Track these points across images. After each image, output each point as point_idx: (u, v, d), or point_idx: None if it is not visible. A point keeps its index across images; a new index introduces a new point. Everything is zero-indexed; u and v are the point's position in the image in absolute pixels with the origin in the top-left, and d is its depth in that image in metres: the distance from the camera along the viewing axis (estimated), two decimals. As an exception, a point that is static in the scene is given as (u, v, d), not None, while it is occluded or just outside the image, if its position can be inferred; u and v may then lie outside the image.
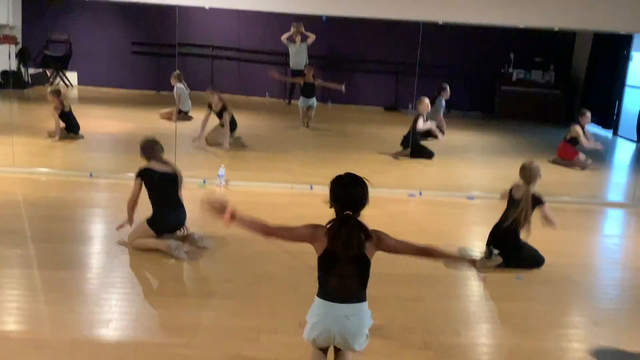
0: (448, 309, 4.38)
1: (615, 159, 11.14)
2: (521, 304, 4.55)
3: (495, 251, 5.14)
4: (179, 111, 10.38)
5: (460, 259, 3.41)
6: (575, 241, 6.03)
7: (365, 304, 3.11)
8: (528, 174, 5.05)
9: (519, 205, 5.00)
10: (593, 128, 12.32)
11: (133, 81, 13.27)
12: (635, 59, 12.17)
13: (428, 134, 9.92)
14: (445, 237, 5.80)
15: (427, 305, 4.41)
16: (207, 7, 7.86)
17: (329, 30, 12.76)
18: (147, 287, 4.43)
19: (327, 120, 11.22)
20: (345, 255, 3.02)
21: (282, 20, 12.29)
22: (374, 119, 12.32)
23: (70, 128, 8.74)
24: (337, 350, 3.15)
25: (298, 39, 12.36)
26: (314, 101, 10.58)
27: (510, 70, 13.40)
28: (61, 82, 13.34)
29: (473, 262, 3.30)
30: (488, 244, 5.21)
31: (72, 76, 13.36)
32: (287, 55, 12.73)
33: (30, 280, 4.37)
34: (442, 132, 10.21)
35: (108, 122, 10.05)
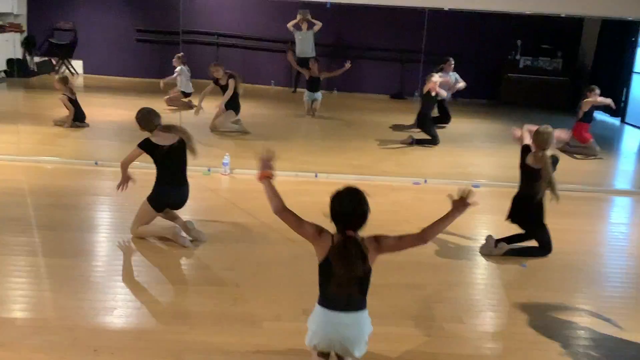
0: (451, 297, 4.38)
1: (623, 147, 11.07)
2: (525, 291, 4.54)
3: (501, 244, 5.12)
4: (182, 94, 10.43)
5: (456, 207, 3.33)
6: (581, 229, 6.01)
7: (365, 312, 3.13)
8: (545, 138, 4.90)
9: (541, 174, 4.84)
10: (600, 115, 12.27)
11: (138, 69, 13.25)
12: (643, 45, 12.07)
13: (438, 120, 9.94)
14: (450, 226, 5.76)
15: (430, 293, 4.41)
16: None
17: (334, 17, 12.70)
18: (151, 275, 4.45)
19: (333, 109, 11.19)
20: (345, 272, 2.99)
21: (288, 8, 12.24)
22: (379, 106, 12.27)
23: (77, 116, 8.75)
24: (339, 356, 3.16)
25: (304, 26, 12.30)
26: (319, 95, 10.57)
27: (517, 57, 13.31)
28: (67, 70, 13.34)
29: (463, 202, 3.25)
30: (510, 216, 5.14)
31: (77, 64, 13.37)
32: (293, 42, 12.68)
33: (35, 267, 4.40)
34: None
35: (113, 110, 10.05)
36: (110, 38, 13.22)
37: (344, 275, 2.97)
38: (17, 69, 11.85)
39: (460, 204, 3.23)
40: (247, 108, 9.62)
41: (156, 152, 4.97)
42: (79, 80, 13.06)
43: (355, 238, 3.06)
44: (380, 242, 3.13)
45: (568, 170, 8.18)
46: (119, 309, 3.90)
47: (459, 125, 10.55)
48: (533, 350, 3.73)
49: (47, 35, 13.18)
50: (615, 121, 12.24)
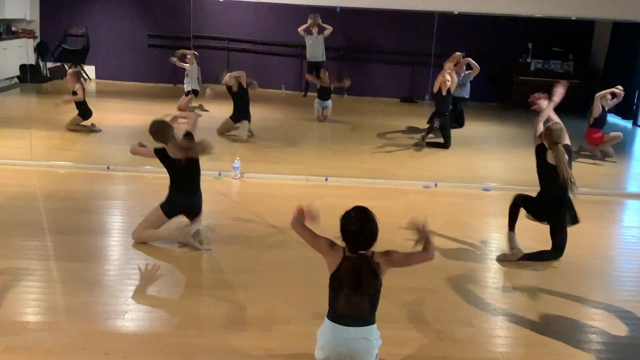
0: (461, 300, 4.36)
1: (635, 150, 10.99)
2: (537, 295, 4.52)
3: (517, 244, 5.09)
4: (190, 91, 10.43)
5: (424, 240, 3.33)
6: (593, 232, 5.97)
7: (374, 327, 3.16)
8: (558, 133, 4.88)
9: (556, 170, 4.82)
10: (612, 118, 12.19)
11: (150, 74, 13.32)
12: (656, 47, 11.99)
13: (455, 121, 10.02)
14: (461, 229, 5.77)
15: (440, 296, 4.40)
16: (221, -1, 7.89)
17: (344, 21, 12.72)
18: (162, 279, 4.46)
19: (343, 112, 11.19)
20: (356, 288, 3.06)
21: (298, 12, 12.27)
22: (389, 110, 12.27)
23: (83, 113, 8.79)
24: None
25: (315, 30, 12.32)
26: (329, 102, 10.58)
27: (528, 60, 13.26)
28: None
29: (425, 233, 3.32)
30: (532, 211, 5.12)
31: (89, 70, 13.46)
32: (303, 47, 12.71)
33: (47, 271, 4.43)
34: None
35: (125, 115, 10.12)
36: (122, 43, 13.31)
37: (354, 293, 3.06)
38: (30, 75, 11.95)
39: (423, 236, 3.32)
40: (258, 112, 9.65)
41: (169, 162, 5.03)
42: (91, 86, 13.14)
43: (367, 256, 3.11)
44: (390, 256, 3.21)
45: (580, 174, 8.09)
46: (130, 312, 3.92)
47: (469, 128, 10.53)
48: (545, 354, 3.71)
49: (59, 41, 13.28)
50: (628, 124, 12.16)
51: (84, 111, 8.82)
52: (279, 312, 3.99)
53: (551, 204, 5.00)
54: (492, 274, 4.91)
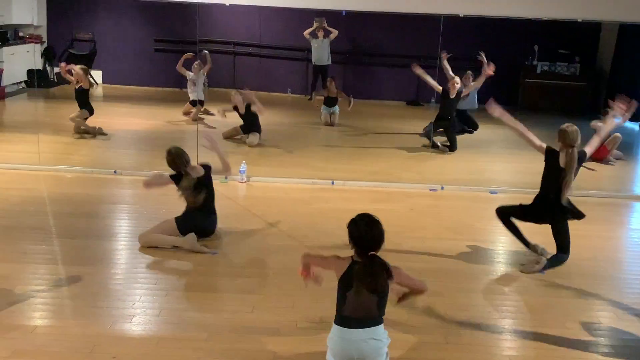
0: (469, 303, 4.36)
1: (642, 152, 10.95)
2: (544, 298, 4.51)
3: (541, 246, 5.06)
4: (195, 101, 10.40)
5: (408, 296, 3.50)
6: (600, 235, 5.95)
7: (381, 326, 3.20)
8: (573, 136, 4.84)
9: (568, 173, 4.80)
10: (618, 121, 12.13)
11: (156, 79, 13.35)
12: (663, 49, 11.94)
13: (465, 124, 9.99)
14: (467, 232, 5.77)
15: (448, 300, 4.39)
16: (227, 3, 7.90)
17: (349, 24, 12.71)
18: (170, 283, 4.48)
19: (349, 116, 11.17)
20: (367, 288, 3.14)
21: (303, 16, 12.28)
22: (395, 113, 12.26)
23: (88, 107, 8.82)
24: None
25: (320, 34, 12.33)
26: (336, 108, 10.56)
27: (535, 62, 13.23)
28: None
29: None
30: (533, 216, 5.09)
31: (96, 74, 13.50)
32: (309, 50, 12.73)
33: (55, 275, 4.45)
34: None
35: (132, 119, 10.15)
36: (129, 48, 13.35)
37: (364, 292, 3.10)
38: (37, 80, 11.99)
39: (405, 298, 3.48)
40: (264, 116, 9.65)
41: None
42: (98, 90, 13.19)
43: (378, 256, 3.18)
44: (398, 273, 3.27)
45: (587, 176, 8.12)
46: (137, 316, 3.94)
47: (476, 131, 10.50)
48: (553, 357, 3.70)
49: (66, 45, 13.33)
50: (634, 126, 12.10)
51: (89, 105, 8.83)
52: (286, 316, 3.99)
53: (556, 205, 4.96)
54: (499, 277, 4.89)
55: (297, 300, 4.24)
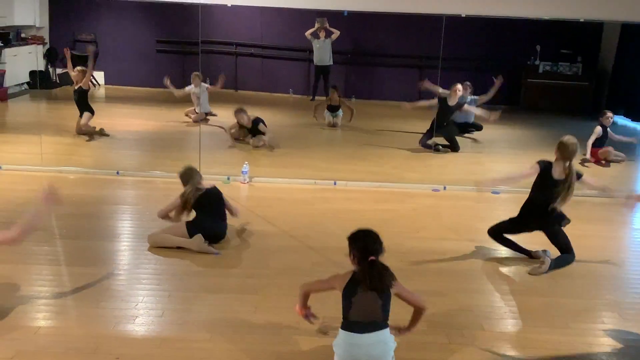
0: (471, 304, 4.35)
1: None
2: (547, 298, 4.51)
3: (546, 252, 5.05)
4: (205, 113, 10.33)
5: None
6: (602, 235, 5.95)
7: (388, 330, 3.23)
8: (572, 149, 4.87)
9: (564, 183, 4.82)
10: (622, 120, 12.14)
11: (158, 80, 13.29)
12: (665, 49, 11.93)
13: (466, 129, 10.00)
14: (470, 232, 5.76)
15: (450, 300, 4.39)
16: (229, 4, 7.90)
17: (351, 25, 12.72)
18: (172, 283, 4.48)
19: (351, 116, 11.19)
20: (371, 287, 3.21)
21: (305, 16, 12.29)
22: (397, 113, 12.23)
23: (89, 108, 8.79)
24: None
25: (322, 34, 12.34)
26: (339, 112, 10.51)
27: (537, 62, 13.22)
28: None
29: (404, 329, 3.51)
30: (526, 223, 5.09)
31: (98, 75, 13.52)
32: (310, 51, 12.73)
33: (57, 276, 4.46)
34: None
35: (135, 120, 10.16)
36: (131, 49, 13.37)
37: (369, 294, 3.18)
38: (39, 81, 12.02)
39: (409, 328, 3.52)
40: (266, 116, 9.65)
41: (197, 194, 5.20)
42: (100, 91, 13.22)
43: (378, 260, 3.27)
44: (396, 281, 3.32)
45: (590, 176, 8.11)
46: (140, 317, 3.94)
47: (479, 132, 10.49)
48: (555, 358, 3.70)
49: (68, 47, 13.34)
50: (637, 126, 12.08)
51: (88, 106, 8.81)
52: (288, 316, 3.99)
53: (547, 212, 4.96)
54: (502, 277, 4.89)
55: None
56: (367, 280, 3.18)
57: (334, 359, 3.28)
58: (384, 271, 3.23)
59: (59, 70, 13.19)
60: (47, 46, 13.12)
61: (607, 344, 3.89)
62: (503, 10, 7.49)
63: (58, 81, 13.06)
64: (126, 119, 10.17)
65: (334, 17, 12.26)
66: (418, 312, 3.48)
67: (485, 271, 4.98)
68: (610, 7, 7.53)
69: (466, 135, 10.16)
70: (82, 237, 5.24)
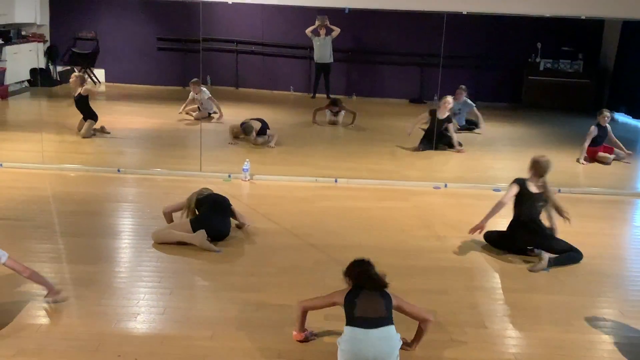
0: (473, 301, 4.35)
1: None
2: (548, 296, 4.50)
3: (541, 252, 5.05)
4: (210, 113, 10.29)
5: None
6: (605, 232, 5.95)
7: (394, 327, 3.28)
8: (545, 166, 5.08)
9: (542, 198, 5.04)
10: (623, 117, 12.13)
11: (159, 77, 13.37)
12: (666, 46, 11.90)
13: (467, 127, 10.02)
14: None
15: (452, 298, 4.39)
16: (230, 2, 7.89)
17: (352, 22, 12.71)
18: (174, 281, 4.48)
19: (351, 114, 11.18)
20: (371, 287, 3.37)
21: (306, 14, 12.28)
22: (399, 111, 12.25)
23: (92, 116, 8.76)
24: None
25: (322, 32, 12.33)
26: (341, 113, 10.47)
27: (538, 59, 13.20)
28: (89, 79, 13.51)
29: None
30: (521, 245, 5.11)
31: (99, 73, 13.52)
32: (311, 48, 12.72)
33: (59, 274, 4.45)
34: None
35: (135, 118, 10.15)
36: (132, 47, 13.36)
37: (371, 293, 3.33)
38: (40, 79, 12.01)
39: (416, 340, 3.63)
40: (267, 114, 9.66)
41: (205, 196, 5.34)
42: (101, 89, 13.21)
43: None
44: (395, 295, 3.46)
45: (591, 174, 8.12)
46: (142, 314, 3.94)
47: (479, 129, 10.48)
48: (557, 355, 3.70)
49: (69, 44, 13.35)
50: (638, 123, 12.07)
51: (91, 111, 8.79)
52: (290, 314, 3.98)
53: (537, 229, 5.07)
54: (504, 275, 4.88)
55: (301, 298, 4.21)
56: (368, 280, 3.35)
57: (337, 356, 3.28)
58: (377, 274, 3.44)
59: (59, 68, 13.20)
60: (48, 44, 13.12)
61: (609, 341, 3.89)
62: (504, 8, 7.49)
63: (59, 79, 13.05)
64: (127, 117, 10.16)
65: (335, 15, 12.25)
66: (422, 325, 3.53)
67: (487, 269, 4.97)
68: (612, 4, 7.53)
69: (468, 131, 10.15)
70: (84, 234, 5.24)
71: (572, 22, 11.60)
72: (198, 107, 10.13)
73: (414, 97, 13.33)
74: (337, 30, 12.28)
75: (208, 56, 12.67)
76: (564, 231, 5.48)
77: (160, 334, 3.72)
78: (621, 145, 8.79)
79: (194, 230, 5.01)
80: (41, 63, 12.72)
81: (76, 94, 8.76)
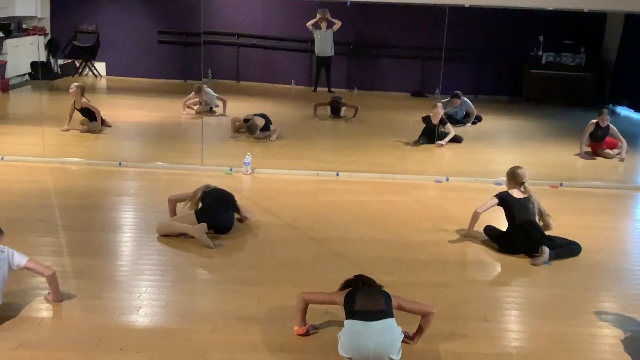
0: (475, 295, 4.35)
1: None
2: (550, 290, 4.50)
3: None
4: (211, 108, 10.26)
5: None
6: (606, 226, 5.94)
7: (394, 320, 3.30)
8: (522, 174, 5.20)
9: (530, 201, 5.11)
10: (625, 111, 12.12)
11: (160, 71, 13.35)
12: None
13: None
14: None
15: (454, 291, 4.39)
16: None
17: (353, 16, 12.67)
18: (175, 274, 4.48)
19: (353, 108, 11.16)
20: (370, 285, 3.54)
21: (308, 7, 12.25)
22: (400, 105, 12.23)
23: (94, 119, 8.70)
24: None
25: (324, 25, 12.30)
26: (342, 110, 10.44)
27: (540, 53, 13.17)
28: (90, 72, 13.49)
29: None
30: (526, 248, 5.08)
31: (100, 66, 13.51)
32: (312, 42, 12.69)
33: (61, 267, 4.44)
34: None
35: (136, 111, 10.14)
36: (133, 40, 13.34)
37: (370, 290, 3.41)
38: (41, 72, 11.99)
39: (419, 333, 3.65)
40: (268, 108, 9.65)
41: (209, 191, 5.35)
42: (102, 82, 13.20)
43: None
44: (395, 295, 3.49)
45: (593, 168, 8.10)
46: (144, 307, 3.94)
47: (481, 122, 10.47)
48: (559, 349, 3.70)
49: (70, 37, 13.33)
50: (638, 116, 12.05)
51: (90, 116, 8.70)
52: (292, 307, 3.98)
53: (534, 231, 5.04)
54: (506, 269, 4.88)
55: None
56: (366, 280, 3.50)
57: (338, 349, 3.28)
58: (372, 280, 3.57)
59: (60, 62, 13.18)
60: (49, 37, 13.10)
61: (610, 335, 3.89)
62: (506, 1, 7.46)
63: (59, 72, 13.04)
64: (128, 110, 10.15)
65: (336, 8, 12.22)
66: (425, 319, 3.55)
67: (488, 262, 4.97)
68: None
69: (469, 125, 10.15)
70: (85, 228, 5.24)
71: (575, 16, 11.57)
72: (199, 102, 10.12)
73: (416, 91, 13.31)
74: (338, 24, 12.25)
75: (209, 49, 12.64)
76: (566, 225, 5.50)
77: (162, 327, 3.72)
78: (624, 145, 8.62)
79: (199, 222, 5.02)
80: (42, 56, 12.70)
81: (78, 106, 8.58)
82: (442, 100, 9.79)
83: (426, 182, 7.05)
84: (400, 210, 6.00)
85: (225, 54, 13.26)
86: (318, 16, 12.24)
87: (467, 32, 12.17)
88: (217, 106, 10.26)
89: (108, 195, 6.23)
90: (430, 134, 8.77)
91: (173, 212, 5.34)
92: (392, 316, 3.27)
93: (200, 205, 5.22)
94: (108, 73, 13.59)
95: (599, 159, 8.48)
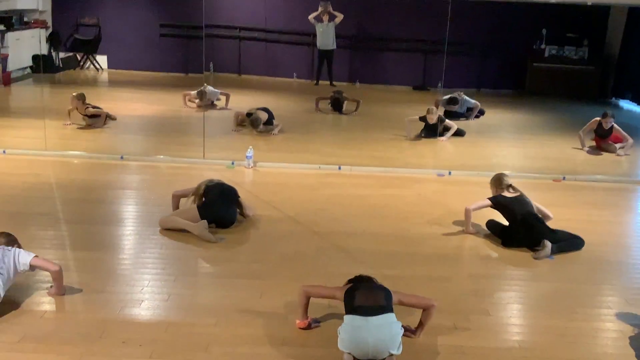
0: (477, 289, 4.34)
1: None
2: (553, 284, 4.50)
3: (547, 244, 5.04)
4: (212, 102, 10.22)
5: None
6: (608, 220, 5.93)
7: (394, 315, 3.29)
8: (505, 179, 5.30)
9: (524, 196, 5.17)
10: (628, 105, 12.09)
11: (162, 64, 13.34)
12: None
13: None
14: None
15: (456, 285, 4.39)
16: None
17: (356, 9, 12.65)
18: (178, 268, 4.48)
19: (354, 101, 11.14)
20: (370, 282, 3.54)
21: (309, 0, 12.22)
22: (402, 98, 12.21)
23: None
24: None
25: (325, 18, 12.28)
26: (344, 104, 10.40)
27: (542, 46, 13.13)
28: (91, 66, 13.48)
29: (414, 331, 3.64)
30: (528, 241, 5.06)
31: (102, 59, 13.50)
32: (314, 35, 12.67)
33: (63, 261, 4.43)
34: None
35: (138, 104, 10.13)
36: (135, 33, 13.32)
37: (369, 286, 3.44)
38: (42, 65, 11.98)
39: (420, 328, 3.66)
40: (270, 101, 9.64)
41: (212, 186, 5.33)
42: (103, 75, 13.19)
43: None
44: (395, 291, 3.50)
45: (595, 161, 8.08)
46: (146, 301, 3.94)
47: (484, 116, 10.45)
48: (561, 343, 3.69)
49: (71, 31, 13.31)
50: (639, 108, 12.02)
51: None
52: (294, 301, 3.98)
53: (535, 224, 5.04)
54: (508, 263, 4.87)
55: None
56: (364, 278, 3.52)
57: (338, 344, 3.27)
58: (371, 279, 3.58)
59: (61, 55, 13.16)
60: (50, 30, 13.08)
61: (613, 329, 3.88)
62: (509, -6, 7.42)
63: (61, 65, 13.03)
64: (130, 104, 10.14)
65: (338, 1, 12.19)
66: (426, 312, 3.56)
67: (490, 256, 4.96)
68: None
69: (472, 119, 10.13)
70: (87, 221, 5.24)
71: (578, 9, 11.54)
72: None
73: (418, 84, 13.28)
74: (340, 17, 12.22)
75: (211, 43, 12.62)
76: (568, 218, 5.50)
77: (165, 321, 3.73)
78: (629, 142, 8.56)
79: (201, 216, 5.01)
80: (43, 49, 12.68)
81: (82, 112, 8.46)
82: (444, 97, 9.78)
83: (428, 176, 7.03)
84: (402, 204, 5.99)
85: (227, 47, 13.23)
86: (320, 9, 12.22)
87: (470, 25, 12.13)
88: (218, 99, 10.24)
89: (110, 188, 6.23)
90: (432, 130, 8.75)
91: (176, 207, 5.33)
92: (392, 311, 3.27)
93: (203, 199, 5.21)
94: (110, 66, 13.58)
95: (604, 154, 8.45)
